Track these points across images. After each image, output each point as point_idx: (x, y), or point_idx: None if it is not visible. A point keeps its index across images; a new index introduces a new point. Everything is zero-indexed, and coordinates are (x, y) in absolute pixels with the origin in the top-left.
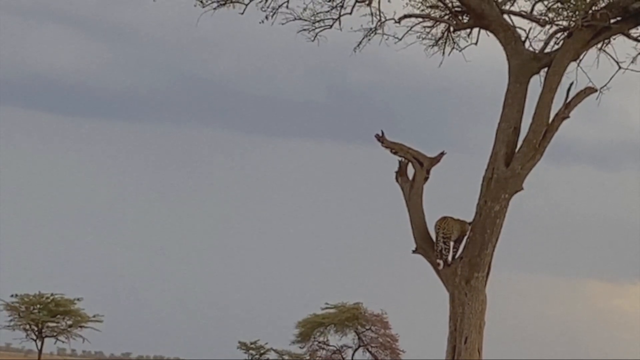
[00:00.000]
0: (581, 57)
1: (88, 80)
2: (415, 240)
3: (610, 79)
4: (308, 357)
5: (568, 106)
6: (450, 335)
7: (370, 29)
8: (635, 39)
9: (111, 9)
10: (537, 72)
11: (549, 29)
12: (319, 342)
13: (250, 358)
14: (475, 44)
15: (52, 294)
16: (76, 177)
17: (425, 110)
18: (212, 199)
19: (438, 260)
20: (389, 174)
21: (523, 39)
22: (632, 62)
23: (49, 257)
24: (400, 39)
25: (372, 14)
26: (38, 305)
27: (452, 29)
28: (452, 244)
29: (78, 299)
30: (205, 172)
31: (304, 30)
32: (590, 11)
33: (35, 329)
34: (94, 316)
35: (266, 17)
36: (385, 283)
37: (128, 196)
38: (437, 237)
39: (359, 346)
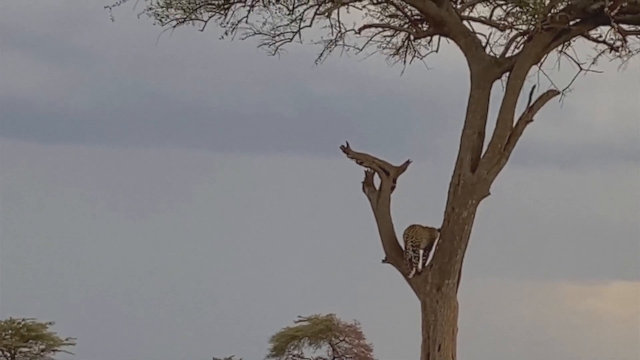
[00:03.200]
0: (542, 60)
1: (50, 105)
2: (385, 249)
3: (572, 80)
4: None
5: (531, 110)
6: (424, 343)
7: (331, 40)
8: (595, 40)
9: (70, 31)
10: (499, 77)
11: (509, 34)
12: (294, 356)
13: None
14: (436, 51)
15: (23, 319)
16: (44, 201)
17: (389, 119)
18: (181, 216)
19: (408, 270)
20: (356, 184)
21: (483, 44)
22: (592, 63)
23: (19, 282)
24: (361, 50)
25: (331, 26)
26: (10, 331)
27: (412, 37)
28: (421, 252)
29: (50, 323)
30: (174, 191)
31: (265, 44)
32: (549, 14)
33: (8, 354)
34: (67, 339)
35: (225, 33)
36: (357, 293)
37: (98, 219)
38: (406, 246)
39: (334, 358)
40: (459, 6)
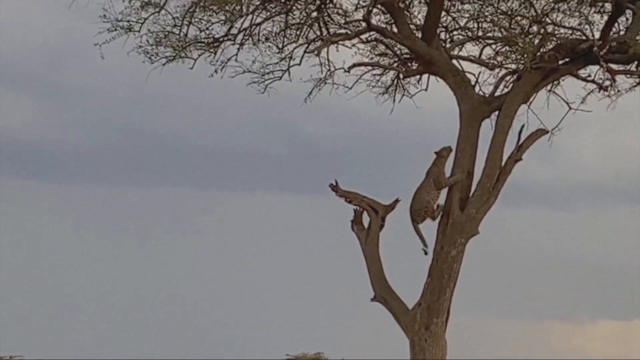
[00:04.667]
0: (531, 99)
1: (39, 143)
2: (374, 288)
3: (561, 120)
4: None
5: (520, 148)
6: None
7: (320, 79)
8: (584, 80)
9: (58, 68)
10: (488, 116)
11: (498, 73)
12: None
13: None
14: (426, 90)
15: (10, 357)
16: (34, 238)
17: (378, 157)
18: (169, 253)
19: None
20: (345, 223)
21: (473, 83)
22: (582, 102)
23: (11, 320)
24: (351, 88)
25: (321, 64)
26: None
27: (401, 76)
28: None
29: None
30: (162, 229)
31: (254, 82)
32: (538, 53)
33: None
34: None
35: (215, 71)
36: (345, 331)
37: (81, 258)
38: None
39: None
40: (448, 45)
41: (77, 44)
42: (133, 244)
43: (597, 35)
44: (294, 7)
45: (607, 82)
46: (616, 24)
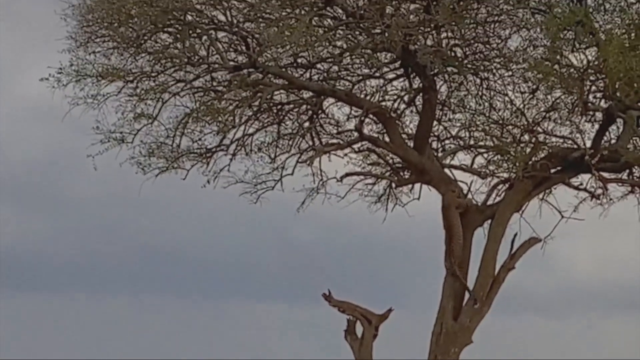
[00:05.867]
0: (523, 207)
1: (31, 255)
2: None
3: (554, 228)
4: None
5: (513, 257)
6: None
7: (313, 188)
8: (576, 188)
9: (51, 179)
10: (481, 225)
11: (490, 181)
12: None
13: None
14: (418, 199)
15: None
16: (25, 348)
17: (371, 266)
18: None
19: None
20: (338, 332)
21: (465, 192)
22: (574, 210)
23: None
24: (343, 197)
25: (313, 174)
26: None
27: (394, 185)
28: None
29: None
30: (154, 337)
31: (246, 192)
32: (530, 162)
33: None
34: None
35: (208, 181)
36: None
37: None
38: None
39: None
40: (440, 154)
41: (71, 155)
42: (127, 352)
43: (588, 143)
44: (286, 118)
45: (599, 191)
46: (607, 133)
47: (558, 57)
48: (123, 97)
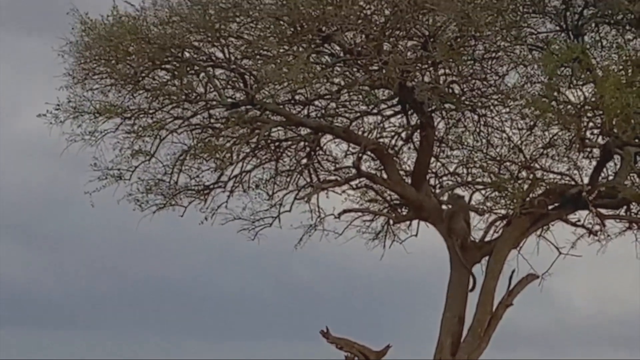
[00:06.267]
0: (521, 244)
1: (28, 291)
2: None
3: (552, 265)
4: None
5: (511, 294)
6: None
7: (310, 225)
8: (574, 224)
9: (47, 215)
10: (479, 261)
11: (487, 218)
12: None
13: None
14: (416, 235)
15: None
16: None
17: (369, 303)
18: None
19: None
20: None
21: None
22: (572, 247)
23: None
24: (341, 234)
25: (311, 211)
26: None
27: (391, 222)
28: None
29: None
30: None
31: (244, 229)
32: (527, 199)
33: None
34: None
35: (205, 218)
36: None
37: None
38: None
39: None
40: (438, 191)
41: (68, 192)
42: None
43: (586, 180)
44: (284, 154)
45: (597, 227)
46: (605, 169)
47: (555, 93)
48: (121, 134)
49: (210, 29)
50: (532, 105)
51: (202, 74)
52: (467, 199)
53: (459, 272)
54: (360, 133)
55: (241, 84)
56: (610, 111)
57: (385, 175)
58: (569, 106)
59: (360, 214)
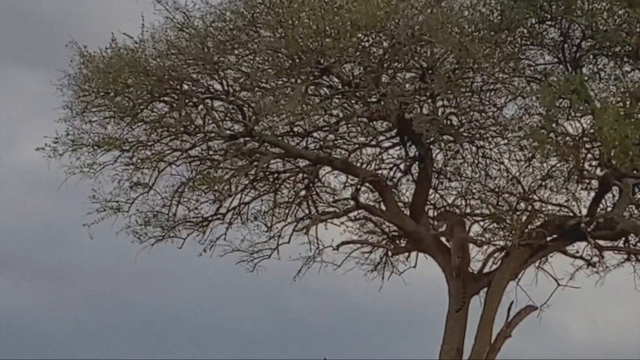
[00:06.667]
0: (520, 275)
1: (25, 325)
2: None
3: (550, 296)
4: None
5: (509, 325)
6: None
7: (309, 257)
8: (572, 256)
9: (45, 248)
10: (477, 293)
11: (486, 249)
12: None
13: None
14: (414, 267)
15: None
16: None
17: (367, 334)
18: None
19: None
20: None
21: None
22: (570, 278)
23: None
24: (340, 266)
25: (310, 242)
26: None
27: (390, 253)
28: None
29: None
30: None
31: (243, 261)
32: (526, 230)
33: None
34: None
35: (204, 250)
36: None
37: None
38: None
39: None
40: (436, 223)
41: (67, 224)
42: None
43: (584, 211)
44: (282, 186)
45: (596, 259)
46: (603, 201)
47: (554, 125)
48: (119, 166)
49: (208, 61)
50: (531, 136)
51: (201, 106)
52: (466, 228)
53: (458, 303)
54: (358, 165)
55: (240, 116)
56: (609, 143)
57: (383, 207)
58: (568, 138)
59: (359, 245)
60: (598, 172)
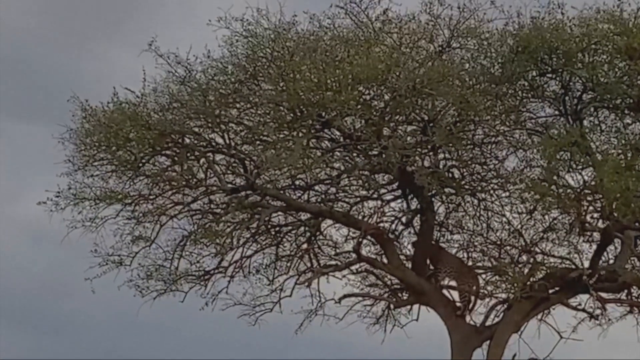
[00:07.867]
0: (522, 328)
1: None
2: None
3: (553, 349)
4: None
5: None
6: None
7: (311, 310)
8: (575, 308)
9: (48, 301)
10: (480, 346)
11: (488, 302)
12: None
13: None
14: (416, 320)
15: None
16: None
17: None
18: None
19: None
20: None
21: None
22: (573, 331)
23: None
24: (342, 319)
25: (312, 295)
26: None
27: (392, 306)
28: None
29: None
30: None
31: (245, 314)
32: (528, 283)
33: None
34: None
35: (206, 304)
36: None
37: None
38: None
39: None
40: (438, 275)
41: (69, 278)
42: None
43: (586, 264)
44: (284, 239)
45: (598, 311)
46: (605, 253)
47: (555, 177)
48: (121, 220)
49: (210, 115)
50: (532, 189)
51: (203, 160)
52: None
53: (460, 357)
54: (360, 218)
55: (241, 169)
56: (610, 195)
57: (385, 260)
58: (569, 190)
59: (360, 298)
60: (600, 224)
